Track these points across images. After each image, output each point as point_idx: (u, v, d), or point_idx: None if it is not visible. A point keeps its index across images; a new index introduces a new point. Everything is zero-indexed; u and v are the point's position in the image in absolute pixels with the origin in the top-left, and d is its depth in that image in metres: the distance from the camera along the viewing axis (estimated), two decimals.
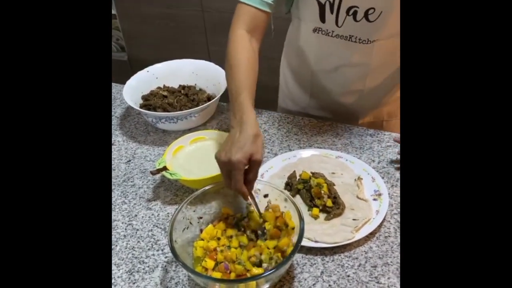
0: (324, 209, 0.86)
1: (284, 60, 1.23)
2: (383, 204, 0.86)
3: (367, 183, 0.92)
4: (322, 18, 0.97)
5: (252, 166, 0.75)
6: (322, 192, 0.86)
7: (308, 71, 1.12)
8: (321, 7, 0.95)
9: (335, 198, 0.86)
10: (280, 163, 0.99)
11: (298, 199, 0.90)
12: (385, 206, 0.86)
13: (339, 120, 1.12)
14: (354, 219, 0.84)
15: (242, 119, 0.78)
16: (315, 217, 0.85)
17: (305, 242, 0.79)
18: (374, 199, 0.88)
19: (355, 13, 0.93)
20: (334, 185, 0.90)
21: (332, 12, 0.95)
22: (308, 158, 0.99)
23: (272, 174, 0.96)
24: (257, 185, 0.85)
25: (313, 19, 0.98)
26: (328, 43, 1.01)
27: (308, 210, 0.87)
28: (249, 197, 0.77)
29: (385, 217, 0.84)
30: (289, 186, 0.91)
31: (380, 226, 0.83)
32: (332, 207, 0.85)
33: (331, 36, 1.00)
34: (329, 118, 1.15)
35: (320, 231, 0.82)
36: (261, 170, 0.95)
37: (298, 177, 0.91)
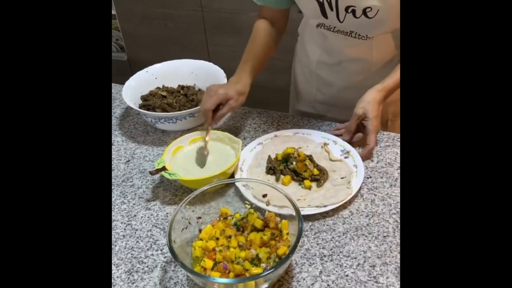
0: (313, 179, 0.92)
1: (295, 55, 1.28)
2: (356, 158, 0.96)
3: (332, 146, 1.00)
4: (324, 15, 1.00)
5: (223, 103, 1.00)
6: (307, 164, 0.92)
7: (313, 64, 1.17)
8: (320, 5, 0.98)
9: (317, 165, 0.94)
10: (250, 154, 1.01)
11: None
12: (358, 160, 0.95)
13: (343, 116, 1.14)
14: (342, 178, 0.91)
15: (234, 76, 1.04)
16: (309, 188, 0.91)
17: (314, 210, 0.85)
18: (346, 157, 0.97)
19: (353, 11, 0.95)
20: (311, 155, 0.95)
21: (331, 9, 0.97)
22: (272, 141, 1.04)
23: (248, 165, 0.98)
24: (258, 186, 0.85)
25: (315, 15, 1.01)
26: (330, 37, 1.05)
27: (299, 184, 0.93)
28: (208, 122, 1.00)
29: (384, 216, 0.85)
30: (272, 170, 0.95)
31: (357, 190, 0.84)
32: (319, 174, 0.92)
33: (333, 31, 1.03)
34: (334, 114, 1.19)
35: (321, 197, 0.88)
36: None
37: (273, 160, 0.96)
